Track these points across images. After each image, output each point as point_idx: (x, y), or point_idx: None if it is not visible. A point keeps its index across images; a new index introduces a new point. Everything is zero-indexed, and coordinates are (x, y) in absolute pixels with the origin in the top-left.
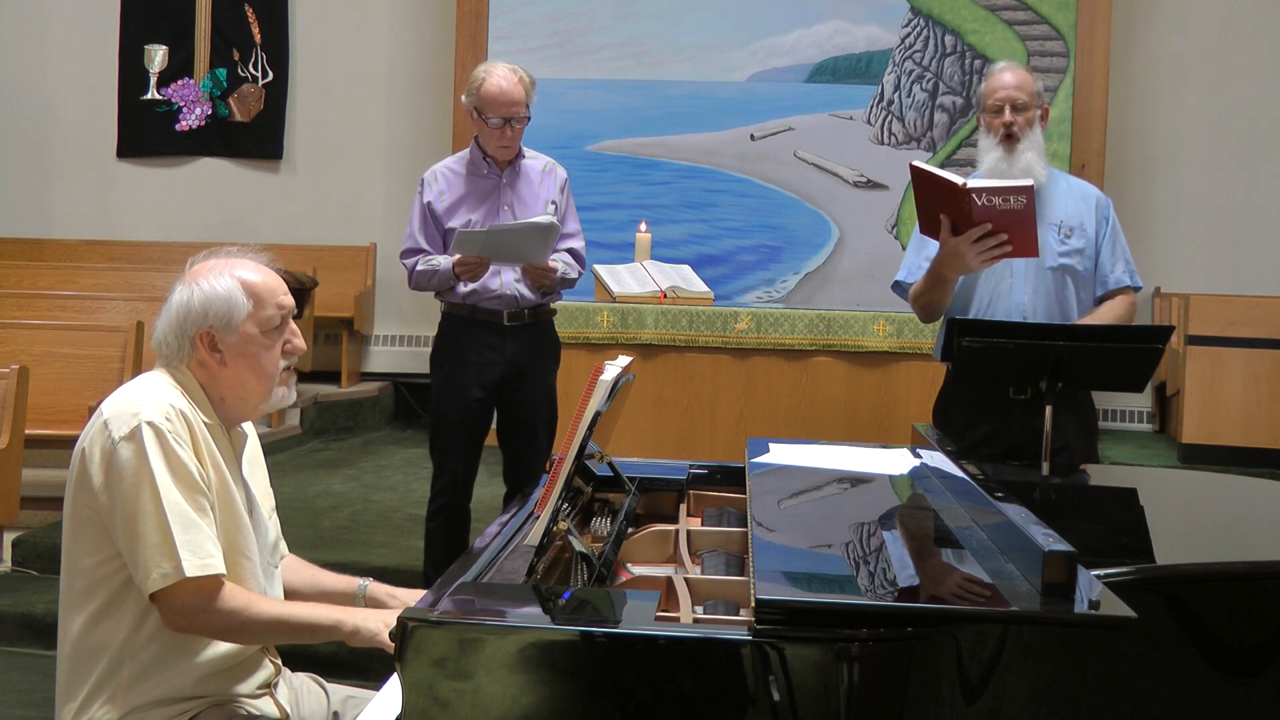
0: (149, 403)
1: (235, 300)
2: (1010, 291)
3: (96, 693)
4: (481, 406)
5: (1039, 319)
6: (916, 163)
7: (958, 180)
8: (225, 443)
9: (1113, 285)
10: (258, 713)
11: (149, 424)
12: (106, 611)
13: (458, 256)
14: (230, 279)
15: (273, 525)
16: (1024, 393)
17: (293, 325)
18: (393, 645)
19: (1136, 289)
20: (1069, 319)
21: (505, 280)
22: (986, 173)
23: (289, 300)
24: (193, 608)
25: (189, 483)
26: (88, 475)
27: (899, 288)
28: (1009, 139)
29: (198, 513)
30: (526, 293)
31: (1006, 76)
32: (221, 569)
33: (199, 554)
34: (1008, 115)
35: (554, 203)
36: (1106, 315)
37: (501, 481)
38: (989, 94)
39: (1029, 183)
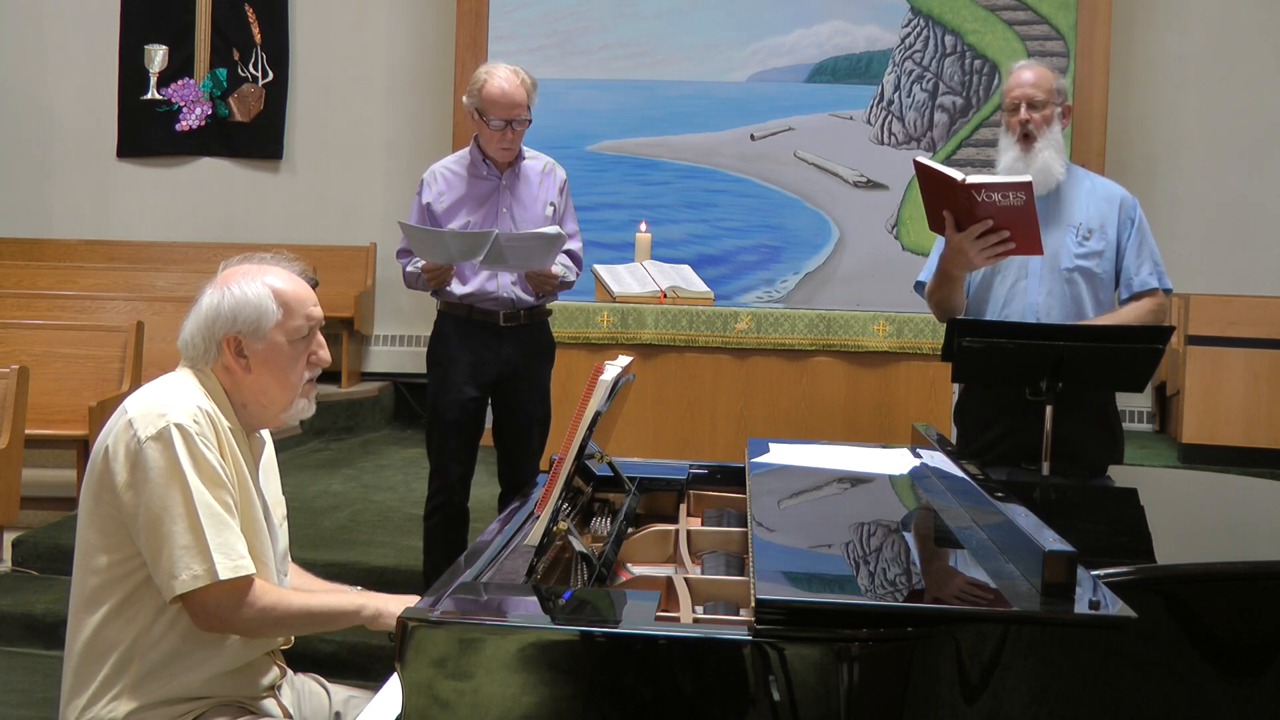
0: (177, 404)
1: (265, 308)
2: (1025, 292)
3: (103, 690)
4: (476, 406)
5: (1053, 320)
6: (920, 158)
7: (957, 176)
8: (246, 448)
9: (1138, 288)
10: (262, 713)
11: (177, 426)
12: (120, 610)
13: (423, 263)
14: (262, 286)
15: (283, 534)
16: (1040, 394)
17: (319, 337)
18: None
19: (1166, 291)
20: (1084, 321)
21: (503, 282)
22: (1004, 171)
23: (318, 312)
24: (227, 607)
25: (219, 483)
26: (110, 473)
27: (919, 288)
28: (1026, 138)
29: (228, 513)
30: (523, 294)
31: (1025, 74)
32: (252, 569)
33: (231, 555)
34: (1023, 113)
35: (553, 204)
36: (1125, 317)
37: (499, 481)
38: (1007, 92)
39: (1027, 179)
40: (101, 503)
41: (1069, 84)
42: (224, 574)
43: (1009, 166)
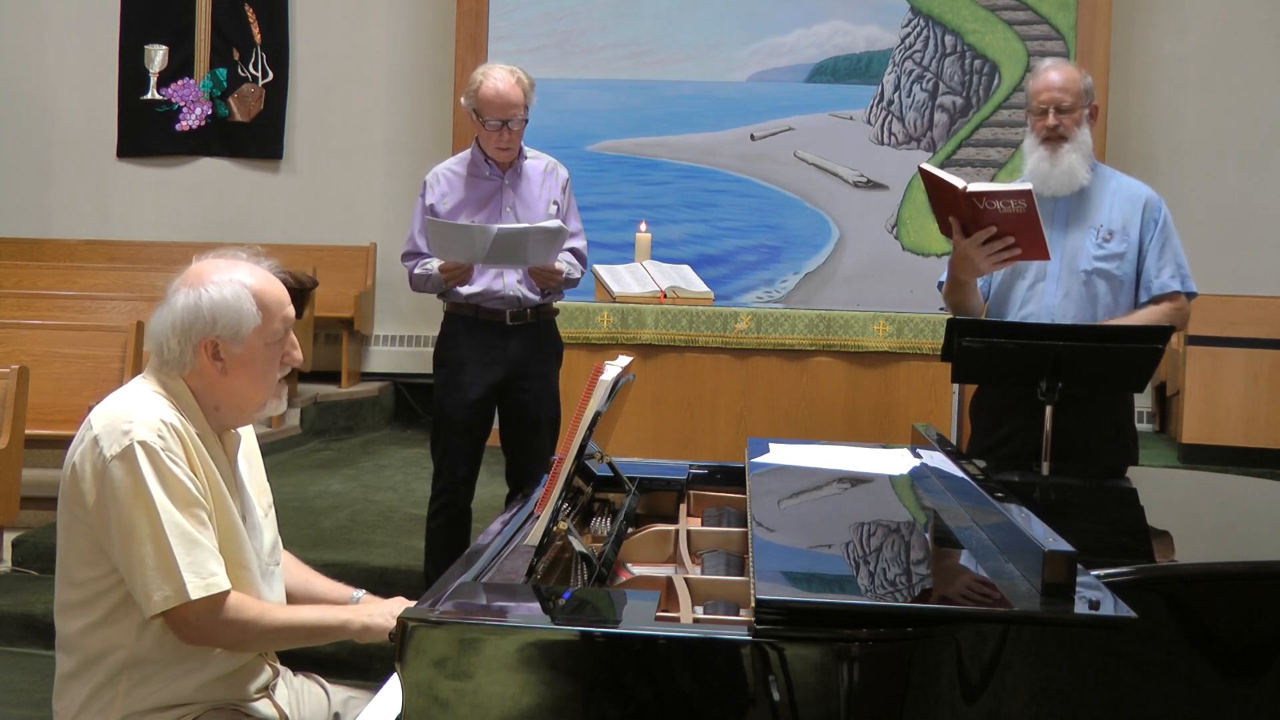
0: (140, 419)
1: (245, 311)
2: (1042, 294)
3: (94, 698)
4: (483, 406)
5: (1069, 322)
6: (925, 165)
7: (959, 183)
8: (218, 449)
9: (1157, 290)
10: (256, 715)
11: (141, 444)
12: (106, 621)
13: (441, 263)
14: (241, 287)
15: (269, 525)
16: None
17: (292, 336)
18: None
19: (1189, 294)
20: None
21: (508, 281)
22: (1030, 175)
23: (292, 312)
24: (206, 622)
25: (187, 499)
26: (80, 492)
27: (941, 288)
28: (1052, 141)
29: (198, 528)
30: (529, 293)
31: (1053, 76)
32: (226, 585)
33: (201, 574)
34: (1051, 119)
35: (556, 203)
36: (1139, 320)
37: (503, 482)
38: (1034, 95)
39: (1028, 186)
40: (75, 519)
41: None
42: (194, 593)
43: (1034, 169)
